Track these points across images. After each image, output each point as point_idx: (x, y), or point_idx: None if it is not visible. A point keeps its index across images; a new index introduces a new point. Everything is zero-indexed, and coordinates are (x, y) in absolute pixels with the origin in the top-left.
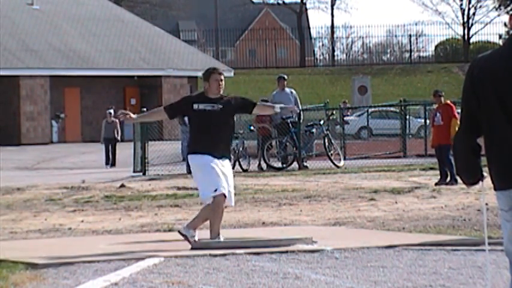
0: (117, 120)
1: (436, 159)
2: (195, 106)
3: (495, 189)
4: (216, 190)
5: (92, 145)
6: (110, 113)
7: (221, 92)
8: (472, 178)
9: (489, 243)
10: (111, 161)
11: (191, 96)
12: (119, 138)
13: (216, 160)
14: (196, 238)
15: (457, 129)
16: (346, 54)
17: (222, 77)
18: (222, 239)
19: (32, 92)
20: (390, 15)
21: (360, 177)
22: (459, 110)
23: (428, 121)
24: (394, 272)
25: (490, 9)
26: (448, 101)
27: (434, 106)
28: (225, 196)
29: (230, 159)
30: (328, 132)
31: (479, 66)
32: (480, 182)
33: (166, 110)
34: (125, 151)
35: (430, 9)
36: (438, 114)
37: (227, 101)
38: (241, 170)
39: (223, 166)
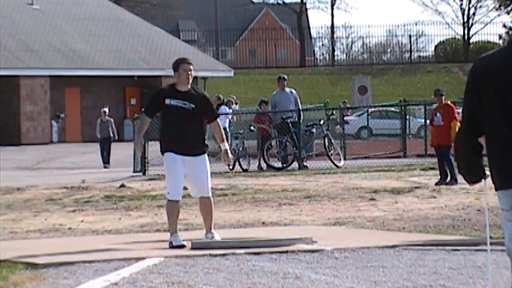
0: (111, 119)
1: (436, 159)
2: (167, 101)
3: (496, 188)
4: (168, 193)
5: (92, 145)
6: (105, 112)
7: (190, 82)
8: (474, 177)
9: (490, 243)
10: (106, 160)
11: (163, 90)
12: (115, 137)
13: (185, 161)
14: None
15: (457, 130)
16: (346, 54)
17: (191, 67)
18: (216, 238)
19: (32, 92)
20: (390, 15)
21: (359, 177)
22: (459, 111)
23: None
24: (394, 272)
25: (490, 9)
26: (449, 102)
27: (434, 106)
28: (177, 201)
29: (204, 153)
30: (328, 132)
31: (482, 66)
32: (482, 181)
33: (145, 113)
34: (124, 151)
35: (430, 9)
36: (438, 114)
37: (199, 99)
38: (241, 170)
39: (194, 165)
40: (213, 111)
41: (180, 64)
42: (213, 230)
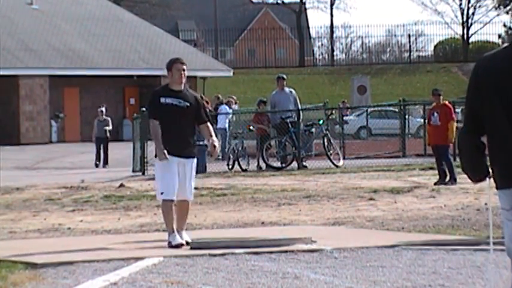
0: (109, 119)
1: (435, 159)
2: (162, 100)
3: (497, 188)
4: (162, 193)
5: (91, 145)
6: (102, 111)
7: (183, 82)
8: (478, 176)
9: (489, 243)
10: (103, 160)
11: (157, 91)
12: (108, 136)
13: (179, 162)
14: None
15: (454, 130)
16: (346, 54)
17: (185, 67)
18: (184, 238)
19: (31, 92)
20: (389, 15)
21: (359, 176)
22: (459, 110)
23: None
24: (394, 272)
25: (490, 8)
26: (446, 102)
27: (432, 105)
28: (172, 201)
29: (195, 157)
30: (327, 132)
31: (484, 66)
32: (487, 179)
33: (154, 118)
34: (123, 151)
35: (429, 8)
36: (436, 114)
37: (194, 99)
38: (240, 170)
39: (185, 167)
40: (204, 113)
41: (173, 64)
42: (183, 231)
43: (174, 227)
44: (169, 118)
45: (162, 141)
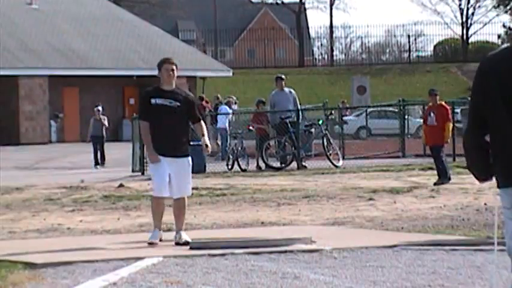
0: (105, 118)
1: (433, 159)
2: (153, 101)
3: (498, 186)
4: (154, 192)
5: (91, 145)
6: (98, 110)
7: (173, 81)
8: (483, 174)
9: (488, 243)
10: (100, 160)
11: (148, 91)
12: (104, 134)
13: (173, 161)
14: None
15: (451, 131)
16: (345, 54)
17: (174, 67)
18: (184, 238)
19: (30, 92)
20: (389, 15)
21: (358, 177)
22: (458, 110)
23: None
24: (393, 272)
25: (489, 9)
26: (443, 102)
27: (429, 105)
28: (162, 198)
29: (188, 156)
30: (327, 132)
31: (487, 65)
32: (493, 179)
33: (142, 119)
34: (123, 150)
35: (429, 9)
36: (432, 114)
37: (184, 98)
38: (239, 170)
39: (179, 166)
40: (196, 112)
41: (162, 64)
42: (182, 231)
43: (160, 224)
44: (161, 118)
45: (154, 141)
